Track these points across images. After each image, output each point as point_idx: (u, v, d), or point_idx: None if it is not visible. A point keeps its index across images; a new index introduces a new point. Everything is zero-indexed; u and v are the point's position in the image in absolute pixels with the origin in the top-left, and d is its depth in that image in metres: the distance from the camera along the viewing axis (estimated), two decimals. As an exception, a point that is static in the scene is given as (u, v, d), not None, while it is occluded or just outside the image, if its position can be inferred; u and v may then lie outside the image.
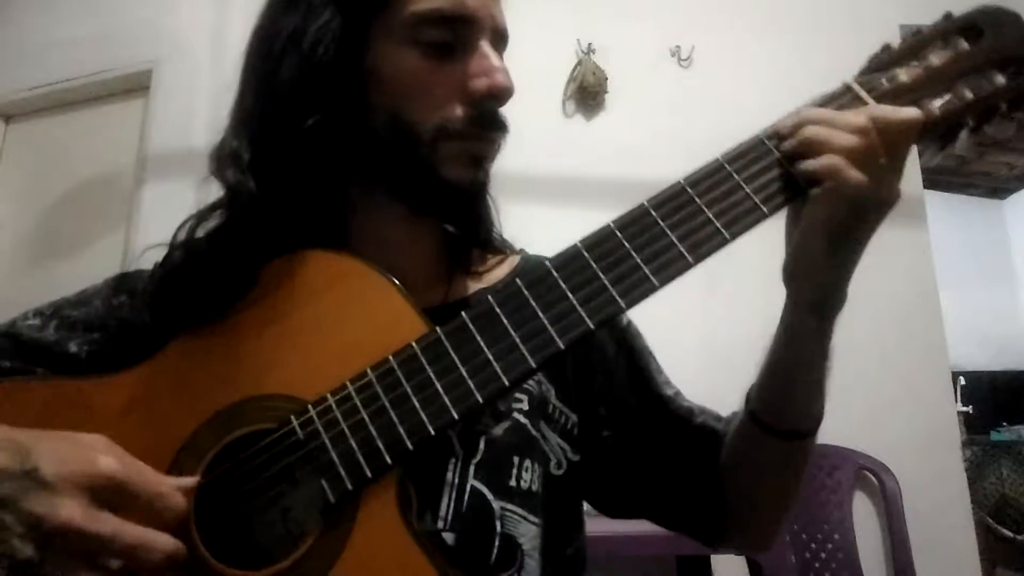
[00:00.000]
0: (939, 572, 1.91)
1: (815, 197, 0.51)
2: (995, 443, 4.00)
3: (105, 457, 0.44)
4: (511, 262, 0.72)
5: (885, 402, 2.03)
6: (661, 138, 2.21)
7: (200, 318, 0.56)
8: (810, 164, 0.51)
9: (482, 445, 0.59)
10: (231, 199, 0.59)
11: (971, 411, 4.15)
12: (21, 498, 0.41)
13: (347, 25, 0.58)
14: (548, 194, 2.13)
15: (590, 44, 2.31)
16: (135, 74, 2.53)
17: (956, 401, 3.40)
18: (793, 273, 0.56)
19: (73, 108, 2.66)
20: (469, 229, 0.69)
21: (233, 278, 0.56)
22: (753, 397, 0.63)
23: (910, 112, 0.51)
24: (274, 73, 0.59)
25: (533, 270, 0.52)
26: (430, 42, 0.57)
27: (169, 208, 2.43)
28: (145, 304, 0.62)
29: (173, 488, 0.47)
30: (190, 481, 0.50)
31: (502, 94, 0.58)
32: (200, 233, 0.61)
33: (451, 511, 0.56)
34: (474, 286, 0.68)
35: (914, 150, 0.53)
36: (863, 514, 2.00)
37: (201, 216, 0.61)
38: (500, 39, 0.62)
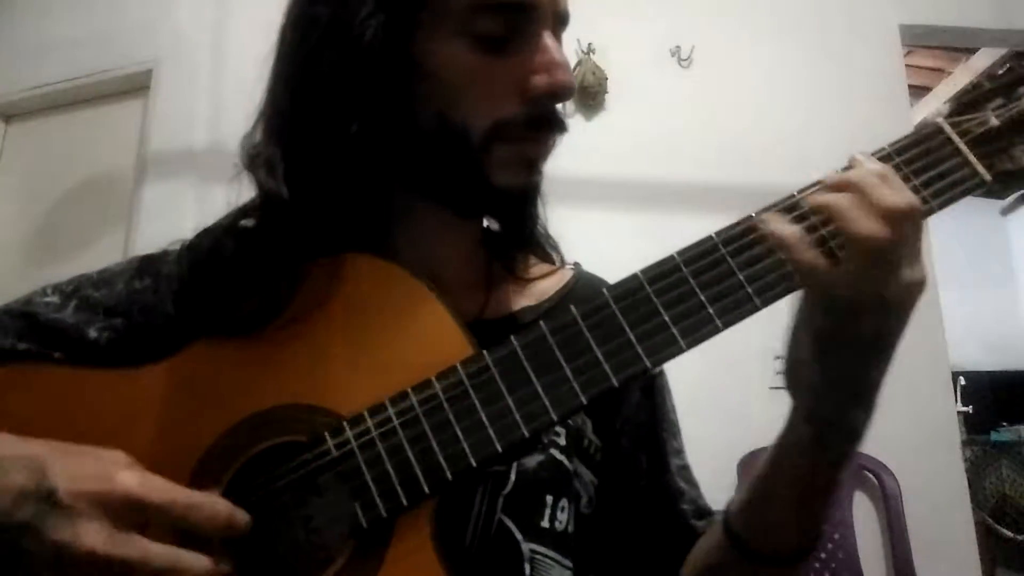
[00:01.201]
0: (939, 572, 1.91)
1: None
2: (995, 443, 4.00)
3: (124, 472, 0.41)
4: (561, 276, 0.66)
5: (885, 402, 2.01)
6: (661, 138, 2.22)
7: (228, 331, 0.52)
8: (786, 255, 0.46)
9: (513, 476, 0.55)
10: (264, 204, 0.56)
11: (971, 411, 4.16)
12: (42, 524, 0.39)
13: (392, 15, 0.52)
14: (547, 194, 2.13)
15: (590, 44, 2.30)
16: (135, 74, 2.52)
17: (956, 401, 3.40)
18: (787, 380, 0.50)
19: (73, 108, 2.66)
20: (515, 229, 0.64)
21: (267, 295, 0.52)
22: (732, 507, 0.56)
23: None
24: (312, 69, 0.54)
25: (589, 298, 0.49)
26: (484, 34, 0.52)
27: (169, 208, 2.44)
28: (170, 293, 0.59)
29: (208, 498, 0.44)
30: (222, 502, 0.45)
31: (564, 94, 0.54)
32: (232, 232, 0.58)
33: (476, 542, 0.52)
34: (519, 300, 0.63)
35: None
36: (863, 514, 2.00)
37: (235, 218, 0.59)
38: (561, 22, 0.56)
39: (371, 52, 0.52)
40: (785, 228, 0.46)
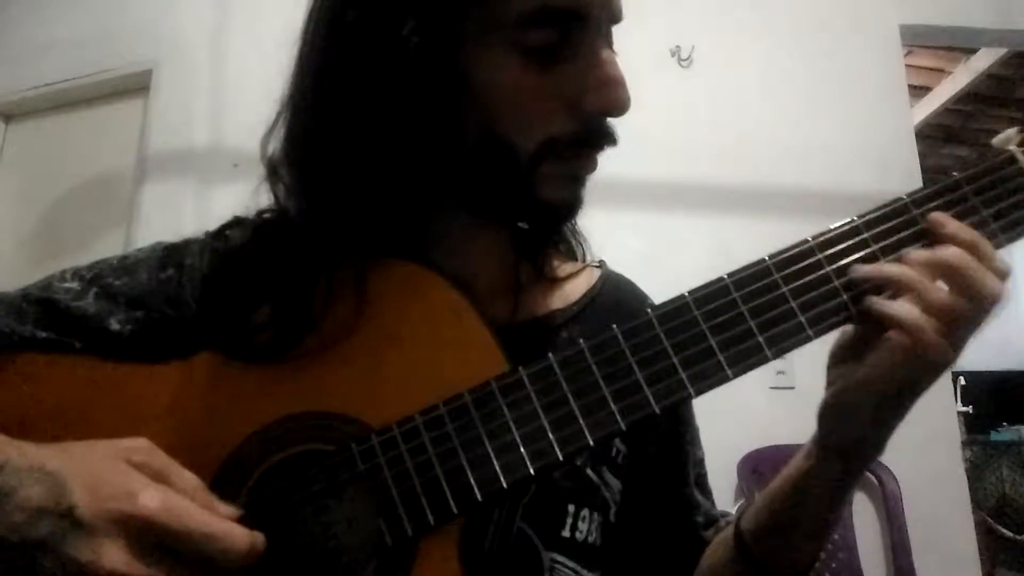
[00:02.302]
0: (939, 572, 1.91)
1: (886, 347, 0.45)
2: (995, 443, 4.01)
3: (146, 493, 0.39)
4: (589, 276, 0.65)
5: (885, 402, 2.03)
6: (661, 138, 2.21)
7: (246, 357, 0.51)
8: (891, 313, 0.45)
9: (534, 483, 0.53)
10: (283, 224, 0.55)
11: (971, 411, 4.16)
12: (61, 542, 0.38)
13: (436, 26, 0.49)
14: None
15: (590, 44, 2.31)
16: (135, 74, 2.52)
17: (956, 401, 3.40)
18: (830, 418, 0.51)
19: (73, 108, 2.66)
20: (549, 233, 0.63)
21: (283, 328, 0.50)
22: (746, 525, 0.57)
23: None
24: (346, 80, 0.51)
25: (632, 315, 0.47)
26: (534, 47, 0.49)
27: (169, 208, 2.44)
28: (192, 288, 0.57)
29: (226, 528, 0.41)
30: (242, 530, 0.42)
31: (620, 112, 0.51)
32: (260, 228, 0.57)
33: (495, 549, 0.51)
34: (548, 302, 0.62)
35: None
36: (863, 514, 1.99)
37: (260, 221, 0.58)
38: (614, 21, 0.53)
39: (415, 65, 0.49)
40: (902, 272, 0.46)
